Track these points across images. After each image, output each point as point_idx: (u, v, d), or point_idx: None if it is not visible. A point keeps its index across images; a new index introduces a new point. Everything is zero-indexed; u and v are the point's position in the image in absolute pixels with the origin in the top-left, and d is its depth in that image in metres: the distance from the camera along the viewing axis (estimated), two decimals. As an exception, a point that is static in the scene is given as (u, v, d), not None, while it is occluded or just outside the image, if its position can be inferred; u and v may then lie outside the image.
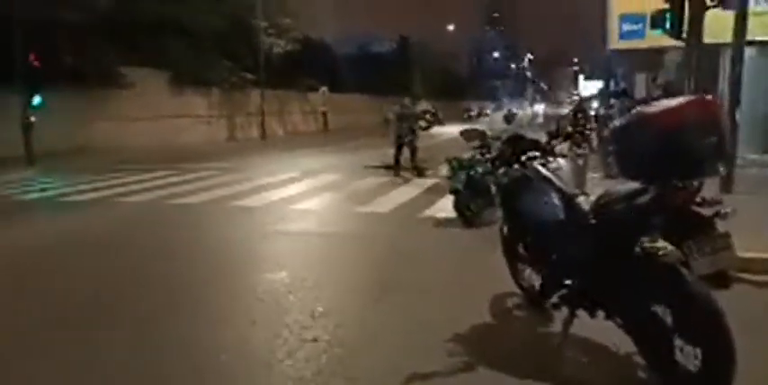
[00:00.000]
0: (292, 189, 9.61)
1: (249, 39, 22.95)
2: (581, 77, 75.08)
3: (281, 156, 16.33)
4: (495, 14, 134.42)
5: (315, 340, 3.37)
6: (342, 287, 4.54)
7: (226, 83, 22.71)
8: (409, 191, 9.18)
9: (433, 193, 8.53)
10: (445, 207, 7.11)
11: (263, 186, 9.91)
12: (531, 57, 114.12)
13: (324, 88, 30.57)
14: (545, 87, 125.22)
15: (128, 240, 6.25)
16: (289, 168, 12.69)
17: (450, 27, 64.93)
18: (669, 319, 2.60)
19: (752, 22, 7.49)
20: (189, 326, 3.66)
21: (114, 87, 17.69)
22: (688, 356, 2.50)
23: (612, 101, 20.59)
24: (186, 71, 20.46)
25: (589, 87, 59.26)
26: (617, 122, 2.80)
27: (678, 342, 2.55)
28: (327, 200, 8.67)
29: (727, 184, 6.60)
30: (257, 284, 4.57)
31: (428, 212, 7.34)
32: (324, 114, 30.63)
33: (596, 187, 3.12)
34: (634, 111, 2.71)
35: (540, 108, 61.66)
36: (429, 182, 9.94)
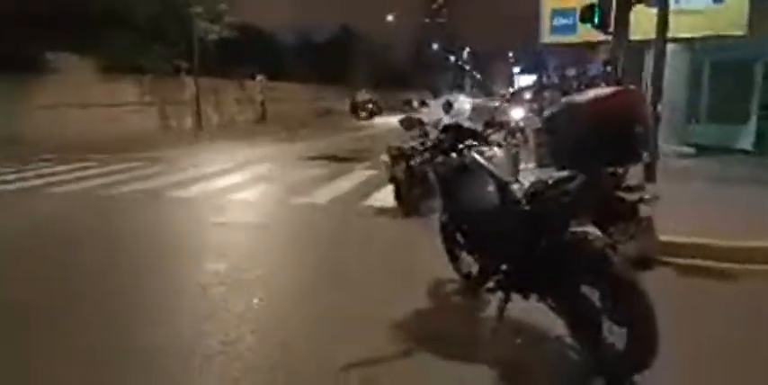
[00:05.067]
0: (229, 179, 9.38)
1: (183, 24, 22.11)
2: (516, 71, 76.99)
3: (216, 146, 15.89)
4: (434, 6, 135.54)
5: (253, 332, 3.32)
6: (280, 278, 4.48)
7: (159, 70, 21.82)
8: (349, 181, 9.16)
9: (373, 183, 8.54)
10: (385, 197, 7.14)
11: (198, 177, 9.63)
12: (470, 50, 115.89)
13: (261, 77, 29.90)
14: (482, 80, 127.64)
15: (57, 232, 5.93)
16: (225, 158, 12.38)
17: (390, 18, 64.86)
18: (598, 301, 2.72)
19: (675, 20, 7.89)
20: (124, 319, 3.52)
21: (40, 73, 16.66)
22: (615, 336, 2.63)
23: (545, 93, 21.28)
24: (117, 57, 19.51)
25: (524, 81, 61.03)
26: (547, 112, 2.88)
27: (606, 322, 2.68)
28: (265, 190, 8.52)
29: (650, 173, 6.95)
30: (194, 276, 4.44)
31: (368, 202, 7.34)
32: (262, 103, 30.00)
33: (530, 176, 3.21)
34: (563, 100, 2.80)
35: (477, 100, 62.99)
36: (369, 172, 9.95)
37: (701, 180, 7.90)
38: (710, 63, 12.36)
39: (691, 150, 11.17)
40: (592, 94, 2.65)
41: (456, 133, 3.85)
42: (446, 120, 4.02)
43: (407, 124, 4.78)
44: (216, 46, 23.78)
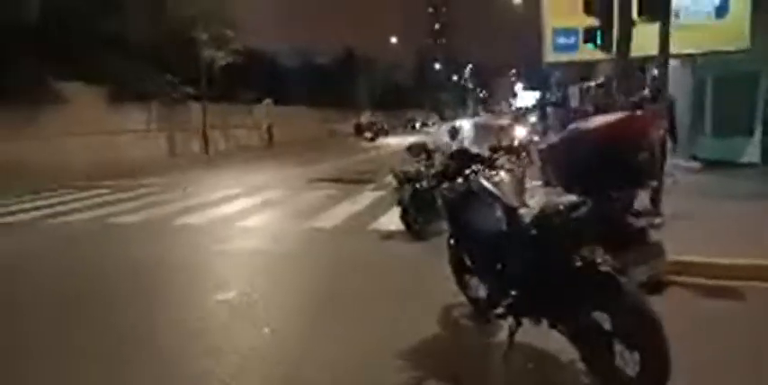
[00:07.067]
0: (236, 205, 9.43)
1: (189, 51, 22.49)
2: (520, 88, 77.45)
3: (224, 172, 16.02)
4: (437, 26, 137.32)
5: (263, 360, 3.31)
6: (290, 305, 4.49)
7: (166, 97, 22.13)
8: (355, 204, 9.18)
9: (380, 206, 8.56)
10: (392, 220, 7.14)
11: (206, 203, 9.69)
12: (472, 67, 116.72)
13: (268, 101, 30.23)
14: (486, 98, 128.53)
15: (66, 262, 5.97)
16: (232, 184, 12.46)
17: (393, 39, 65.83)
18: (609, 326, 2.70)
19: (677, 36, 7.93)
20: (136, 349, 3.53)
21: (47, 103, 16.92)
22: (627, 361, 2.61)
23: (549, 110, 21.36)
24: (124, 85, 19.80)
25: (527, 97, 61.27)
26: (554, 138, 2.91)
27: (618, 347, 2.66)
28: (273, 216, 8.56)
29: (657, 194, 6.91)
30: (204, 305, 4.45)
31: (375, 225, 7.35)
32: (268, 128, 30.26)
33: (537, 195, 3.22)
34: (571, 126, 2.82)
35: (480, 118, 63.32)
36: (375, 194, 9.98)
37: (708, 196, 7.85)
38: (713, 77, 12.38)
39: (696, 165, 11.13)
40: (599, 120, 2.68)
41: (463, 159, 3.89)
42: (453, 146, 4.07)
43: (415, 151, 4.85)
44: (222, 71, 24.14)
